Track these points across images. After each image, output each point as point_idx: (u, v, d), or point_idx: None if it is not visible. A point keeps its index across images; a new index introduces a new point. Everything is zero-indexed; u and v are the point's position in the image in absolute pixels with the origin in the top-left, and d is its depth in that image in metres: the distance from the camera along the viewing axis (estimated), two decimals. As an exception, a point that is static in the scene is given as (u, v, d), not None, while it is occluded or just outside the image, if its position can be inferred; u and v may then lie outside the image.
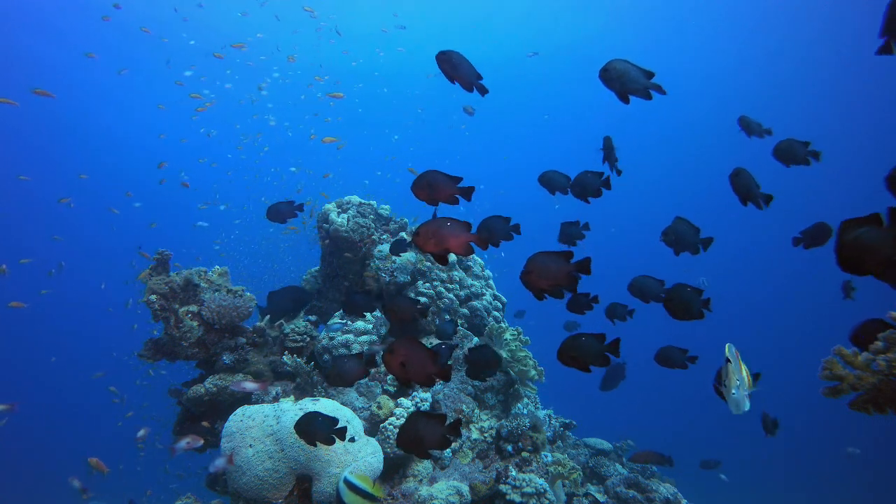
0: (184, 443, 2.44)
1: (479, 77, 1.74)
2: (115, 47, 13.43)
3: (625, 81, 1.61)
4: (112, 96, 15.47)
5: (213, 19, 12.58)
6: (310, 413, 1.88)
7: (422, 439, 1.56)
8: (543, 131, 19.67)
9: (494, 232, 1.65)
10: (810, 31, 13.53)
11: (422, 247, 1.49)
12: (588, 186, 2.06)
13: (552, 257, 1.46)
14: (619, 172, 2.08)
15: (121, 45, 13.34)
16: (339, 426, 1.88)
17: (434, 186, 1.58)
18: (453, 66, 1.71)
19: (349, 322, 3.22)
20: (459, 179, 1.58)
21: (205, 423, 2.98)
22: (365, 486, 2.07)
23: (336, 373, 1.91)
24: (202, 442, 2.63)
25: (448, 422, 1.56)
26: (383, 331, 3.33)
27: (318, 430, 1.86)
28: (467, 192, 1.59)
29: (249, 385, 2.71)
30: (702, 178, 19.52)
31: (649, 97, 1.61)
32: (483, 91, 1.75)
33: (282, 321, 3.60)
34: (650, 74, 1.60)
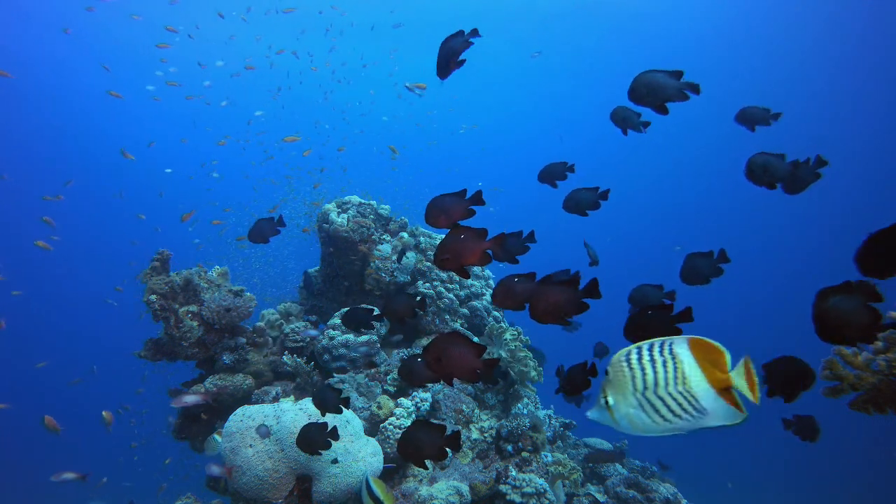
0: (191, 398, 2.44)
1: (462, 33, 1.65)
2: (115, 46, 13.44)
3: (657, 92, 1.51)
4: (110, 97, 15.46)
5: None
6: (304, 426, 1.93)
7: (422, 448, 1.57)
8: (548, 130, 19.68)
9: (509, 250, 1.65)
10: (812, 29, 13.54)
11: (443, 268, 1.50)
12: (582, 202, 2.02)
13: (558, 291, 1.40)
14: (646, 125, 1.87)
15: (121, 45, 13.35)
16: (331, 428, 1.91)
17: (447, 210, 1.56)
18: (447, 56, 1.63)
19: (323, 326, 3.25)
20: (464, 192, 1.58)
21: (203, 416, 2.97)
22: (379, 491, 2.10)
23: (316, 400, 1.96)
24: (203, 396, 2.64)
25: (449, 429, 1.58)
26: (383, 331, 3.33)
27: (314, 439, 1.89)
28: (479, 200, 1.58)
29: (190, 398, 2.70)
30: (702, 174, 19.54)
31: (686, 98, 1.50)
32: (474, 34, 1.63)
33: (282, 321, 3.60)
34: (679, 74, 1.50)
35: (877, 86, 14.41)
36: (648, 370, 0.94)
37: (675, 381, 0.93)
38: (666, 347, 0.95)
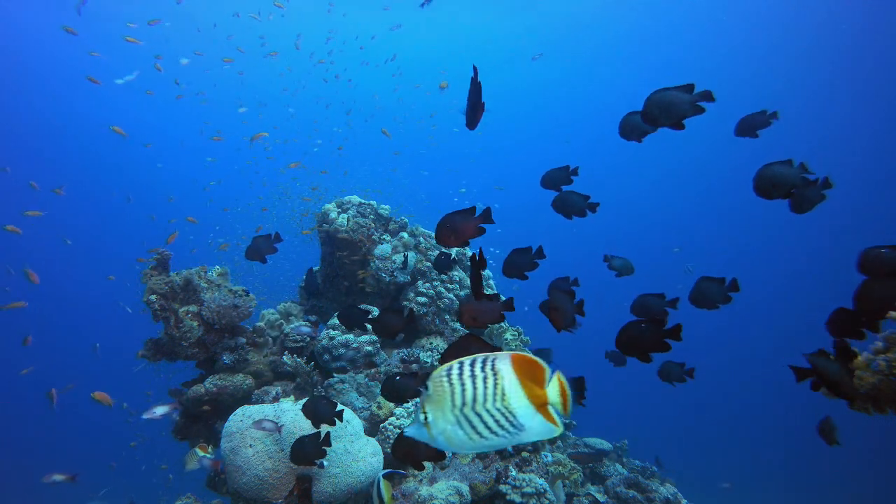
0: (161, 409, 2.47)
1: (472, 80, 1.63)
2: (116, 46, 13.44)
3: (671, 110, 1.48)
4: (113, 97, 15.48)
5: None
6: (297, 440, 1.93)
7: (418, 451, 1.58)
8: (553, 130, 19.70)
9: (519, 268, 1.74)
10: (809, 30, 13.54)
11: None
12: (569, 205, 2.04)
13: (569, 300, 1.46)
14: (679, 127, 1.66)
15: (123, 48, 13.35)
16: (324, 436, 1.93)
17: (458, 230, 1.60)
18: (476, 107, 1.61)
19: (323, 327, 3.25)
20: (473, 210, 1.59)
21: (206, 407, 2.97)
22: (386, 494, 2.13)
23: (308, 411, 1.98)
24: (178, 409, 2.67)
25: None
26: (383, 331, 3.33)
27: (307, 451, 1.90)
28: (488, 217, 1.60)
29: (160, 409, 2.71)
30: (703, 174, 19.54)
31: (702, 111, 1.46)
32: (476, 73, 1.64)
33: (282, 321, 3.60)
34: (690, 88, 1.46)
35: (877, 85, 14.41)
36: (468, 386, 0.92)
37: (494, 397, 0.92)
38: (488, 363, 0.93)
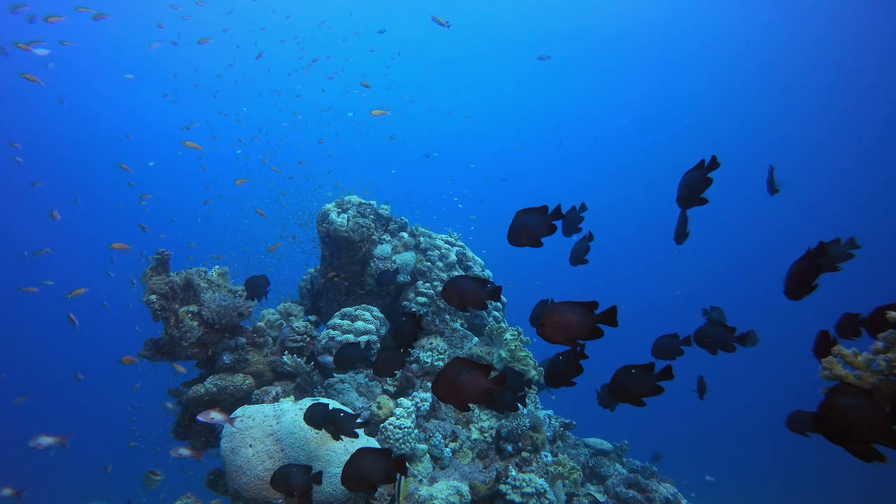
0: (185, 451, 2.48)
1: (544, 210, 1.65)
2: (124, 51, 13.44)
3: (693, 188, 1.58)
4: (114, 96, 15.45)
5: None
6: (285, 465, 1.91)
7: (366, 476, 1.56)
8: (557, 133, 19.71)
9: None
10: (809, 36, 13.55)
11: (444, 401, 1.55)
12: (580, 251, 2.15)
13: (573, 309, 1.36)
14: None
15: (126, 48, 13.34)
16: (315, 473, 1.89)
17: (463, 297, 1.64)
18: (520, 232, 1.66)
19: (323, 328, 3.26)
20: (485, 282, 1.64)
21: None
22: (401, 498, 2.14)
23: (331, 426, 2.00)
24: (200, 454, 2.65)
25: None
26: (383, 331, 3.33)
27: (294, 481, 1.86)
28: (495, 295, 1.64)
29: (45, 440, 2.62)
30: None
31: (710, 181, 1.56)
32: (558, 215, 1.66)
33: (282, 321, 3.60)
34: (701, 165, 1.56)
35: (876, 88, 14.43)
36: None
37: None
38: None
